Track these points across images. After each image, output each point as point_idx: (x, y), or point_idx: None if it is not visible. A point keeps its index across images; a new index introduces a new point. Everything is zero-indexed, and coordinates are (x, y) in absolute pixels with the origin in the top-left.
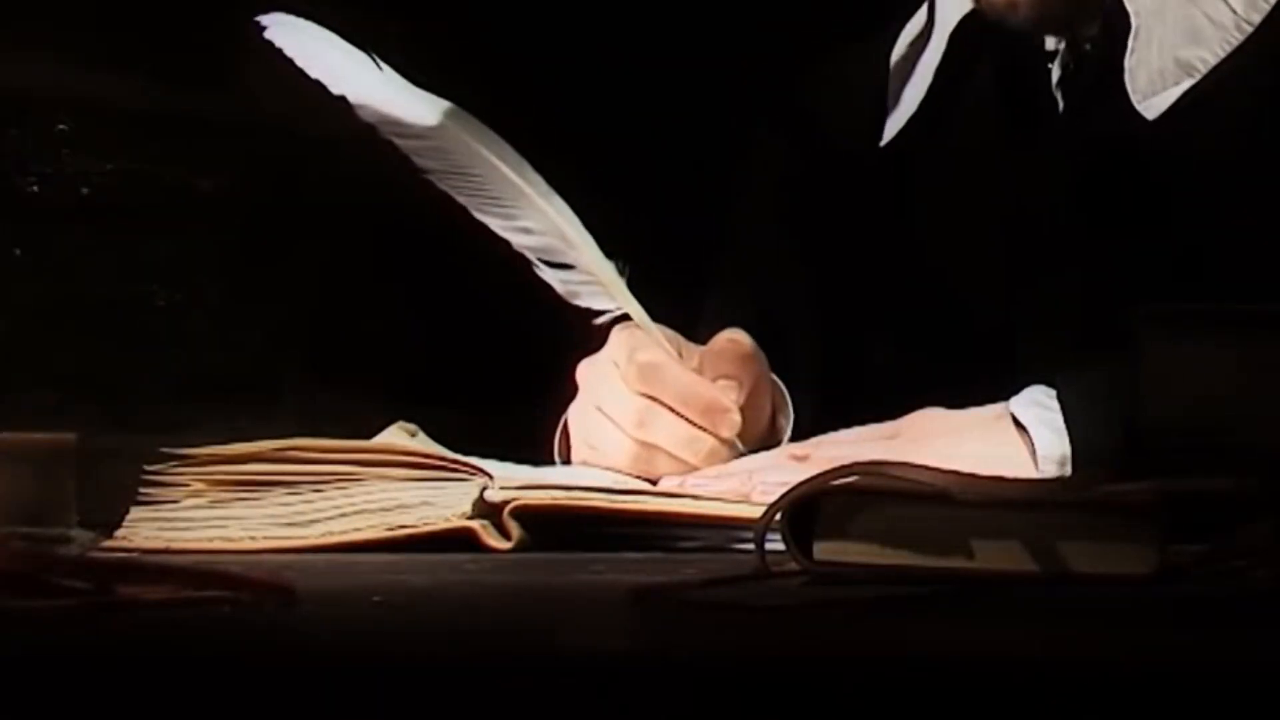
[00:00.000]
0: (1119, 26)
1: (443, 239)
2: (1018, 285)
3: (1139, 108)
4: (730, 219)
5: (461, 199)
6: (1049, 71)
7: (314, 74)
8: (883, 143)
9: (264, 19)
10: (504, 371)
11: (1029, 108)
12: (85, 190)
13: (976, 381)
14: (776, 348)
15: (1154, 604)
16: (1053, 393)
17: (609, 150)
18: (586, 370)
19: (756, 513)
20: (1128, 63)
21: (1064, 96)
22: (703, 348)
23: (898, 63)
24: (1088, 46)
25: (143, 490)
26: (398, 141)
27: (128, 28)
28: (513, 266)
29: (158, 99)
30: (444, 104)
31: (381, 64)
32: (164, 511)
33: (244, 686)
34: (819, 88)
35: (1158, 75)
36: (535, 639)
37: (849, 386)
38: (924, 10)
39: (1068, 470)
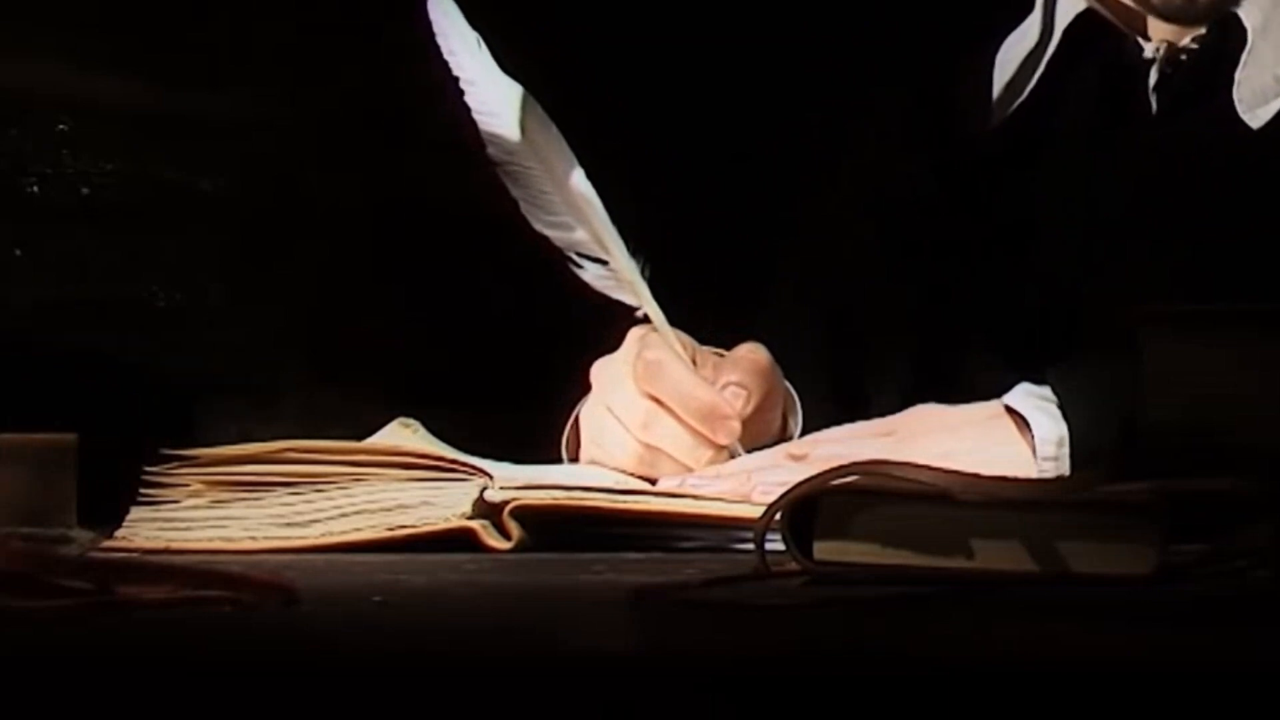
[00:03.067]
0: (1230, 39)
1: (443, 237)
2: (1079, 282)
3: (1245, 118)
4: (807, 217)
5: (516, 191)
6: (1148, 75)
7: (445, 53)
8: (993, 124)
9: None
10: (504, 370)
11: (1124, 108)
12: (85, 190)
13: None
14: (847, 349)
15: (1154, 604)
16: (1046, 388)
17: (645, 149)
18: (600, 369)
19: (756, 513)
20: (1238, 75)
21: (1158, 100)
22: (718, 354)
23: (1004, 58)
24: (1183, 56)
25: (143, 490)
26: (482, 128)
27: (127, 28)
28: (516, 263)
29: (158, 99)
30: (524, 94)
31: (482, 45)
32: (164, 512)
33: (245, 687)
34: (934, 86)
35: (1260, 89)
36: (535, 639)
37: (924, 387)
38: (1036, 16)
39: (1066, 452)
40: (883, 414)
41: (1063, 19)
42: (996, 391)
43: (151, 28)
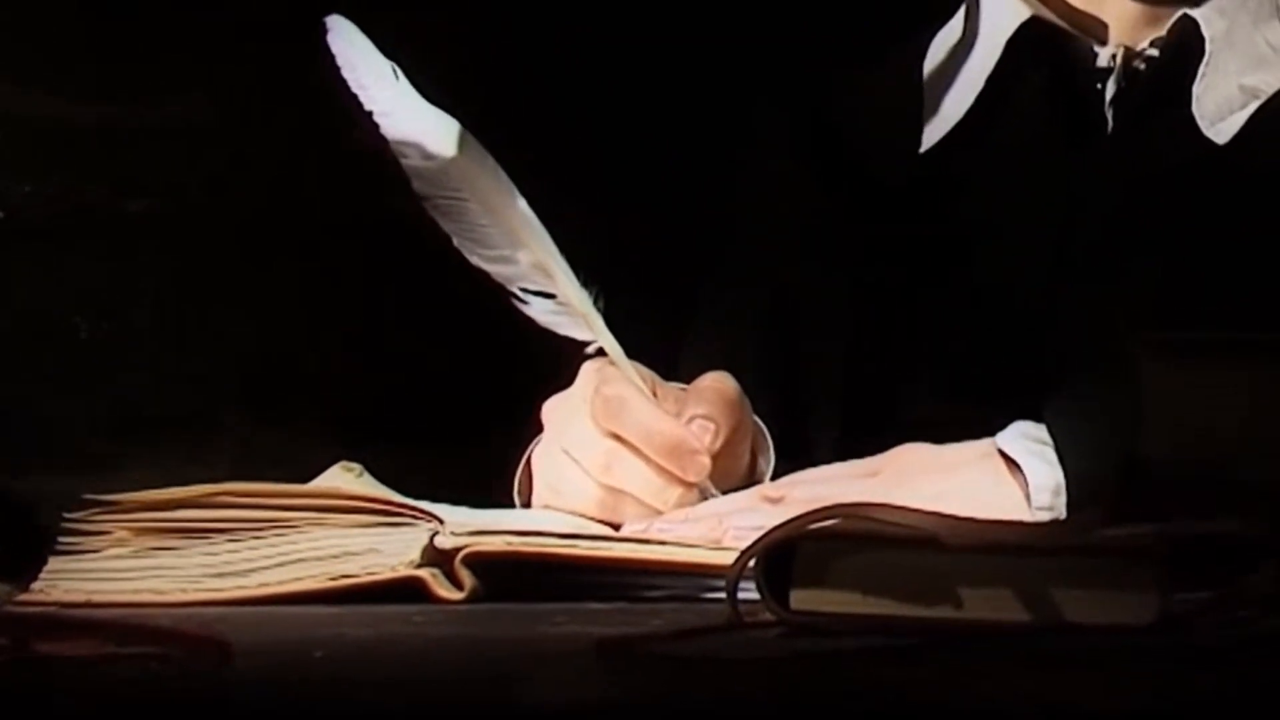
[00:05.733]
0: (1189, 49)
1: (390, 265)
2: (1047, 311)
3: (1208, 133)
4: (726, 248)
5: (447, 225)
6: (1102, 88)
7: (354, 86)
8: (922, 149)
9: (328, 21)
10: (456, 407)
11: (1078, 124)
12: (1, 214)
13: (990, 410)
14: (786, 385)
15: (1155, 655)
16: (1042, 427)
17: (594, 169)
18: (553, 408)
19: (728, 559)
20: (1196, 88)
21: (1114, 116)
22: (681, 389)
23: (933, 71)
24: (1141, 66)
25: (62, 539)
26: (403, 161)
27: (46, 38)
28: (467, 296)
29: (82, 112)
30: (449, 122)
31: (400, 74)
32: (86, 562)
33: None
34: (835, 102)
35: (1224, 101)
36: (491, 697)
37: (869, 423)
38: (959, 19)
39: (1062, 500)
40: (834, 457)
41: (1002, 30)
42: (976, 429)
43: (72, 37)
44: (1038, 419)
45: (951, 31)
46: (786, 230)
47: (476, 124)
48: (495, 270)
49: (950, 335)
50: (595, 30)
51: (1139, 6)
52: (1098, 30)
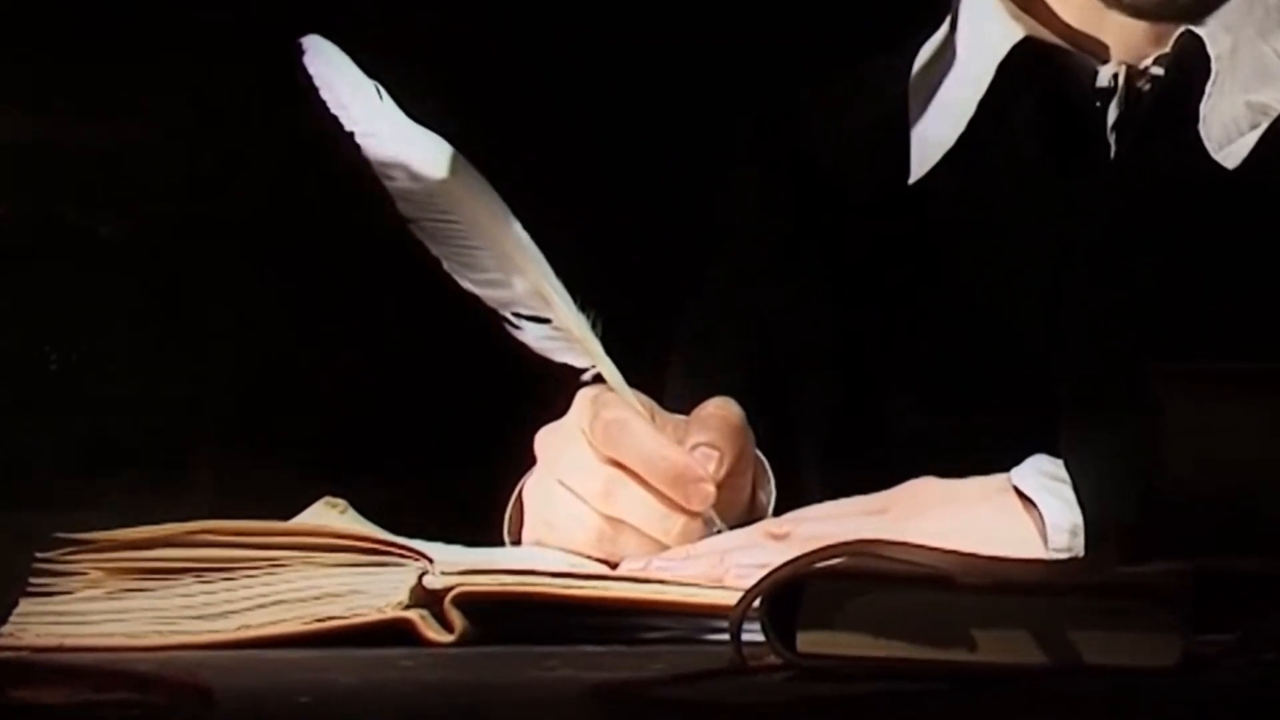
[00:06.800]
0: (1194, 67)
1: (375, 289)
2: (1049, 344)
3: (1216, 157)
4: (711, 273)
5: (437, 249)
6: (1104, 111)
7: (333, 107)
8: (911, 180)
9: (304, 42)
10: (446, 439)
11: (1079, 149)
12: None
13: (992, 444)
14: (771, 415)
15: (1178, 699)
16: (1059, 462)
17: (588, 194)
18: (547, 438)
19: (731, 599)
20: (1203, 108)
21: (1117, 140)
22: (681, 418)
23: (919, 93)
24: (1145, 85)
25: (33, 580)
26: (387, 184)
27: (14, 56)
28: (458, 321)
29: (52, 132)
30: (437, 142)
31: (383, 93)
32: (58, 604)
33: None
34: (819, 122)
35: (1231, 121)
36: None
37: (858, 455)
38: (942, 36)
39: (1080, 540)
40: (832, 492)
41: (993, 50)
42: (982, 465)
43: (44, 55)
44: (1046, 455)
45: (936, 50)
46: (772, 258)
47: (466, 143)
48: (488, 295)
49: (948, 370)
50: (590, 52)
51: (1140, 23)
52: (1097, 49)
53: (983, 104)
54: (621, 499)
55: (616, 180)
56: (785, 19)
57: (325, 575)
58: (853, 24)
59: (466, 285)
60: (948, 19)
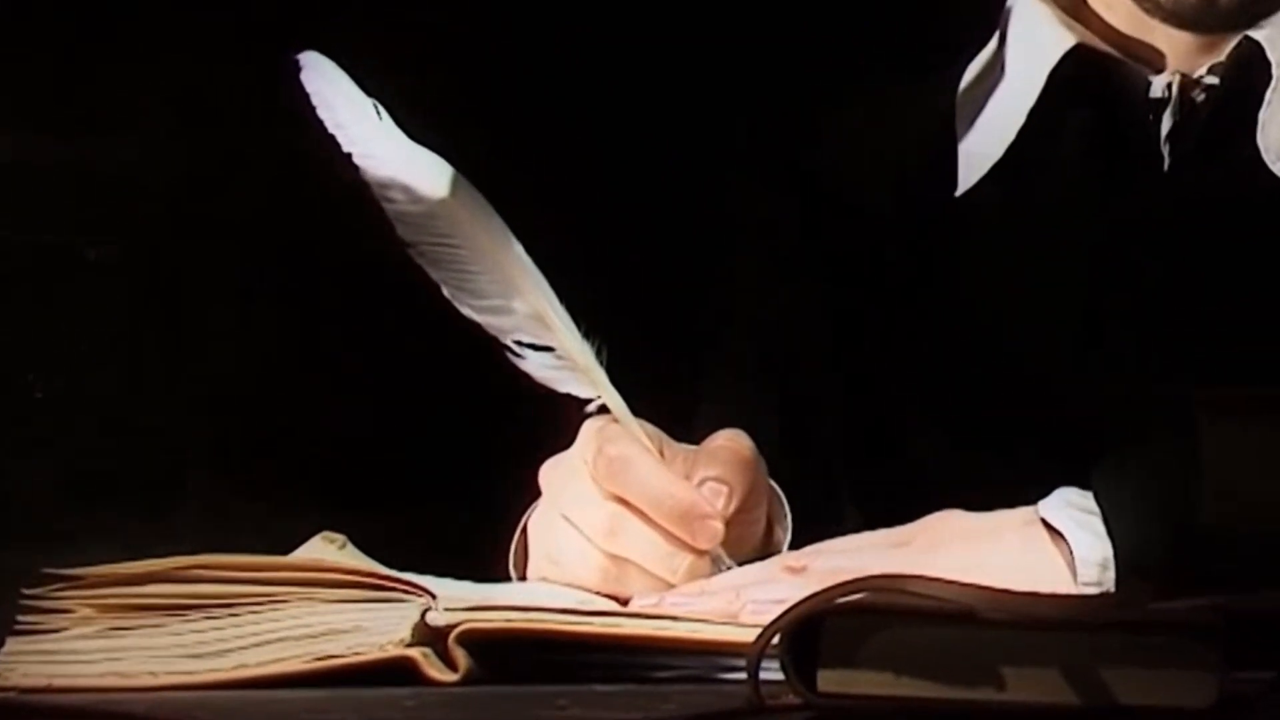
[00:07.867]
0: (1253, 76)
1: (371, 316)
2: (1087, 367)
3: (1274, 168)
4: (735, 299)
5: (436, 273)
6: (1157, 123)
7: (330, 127)
8: (959, 193)
9: (301, 58)
10: (447, 472)
11: (1131, 161)
12: None
13: (1019, 475)
14: (801, 445)
15: None
16: (1088, 494)
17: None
18: (551, 471)
19: (748, 636)
20: (1261, 116)
21: (1171, 152)
22: (691, 448)
23: (966, 103)
24: (1200, 96)
25: (21, 618)
26: (385, 205)
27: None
28: (457, 348)
29: (36, 151)
30: (438, 163)
31: (383, 112)
32: (47, 642)
33: None
34: (860, 139)
35: None
36: None
37: (895, 485)
38: (989, 50)
39: (1111, 575)
40: (855, 525)
41: (1043, 59)
42: (1013, 496)
43: (30, 75)
44: (1082, 485)
45: (985, 66)
46: (805, 277)
47: (465, 156)
48: (489, 322)
49: (976, 396)
50: (595, 66)
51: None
52: (1150, 57)
53: (1033, 114)
54: (626, 537)
55: (623, 203)
56: (786, 24)
57: (324, 612)
58: (853, 24)
59: (467, 312)
60: (995, 34)
